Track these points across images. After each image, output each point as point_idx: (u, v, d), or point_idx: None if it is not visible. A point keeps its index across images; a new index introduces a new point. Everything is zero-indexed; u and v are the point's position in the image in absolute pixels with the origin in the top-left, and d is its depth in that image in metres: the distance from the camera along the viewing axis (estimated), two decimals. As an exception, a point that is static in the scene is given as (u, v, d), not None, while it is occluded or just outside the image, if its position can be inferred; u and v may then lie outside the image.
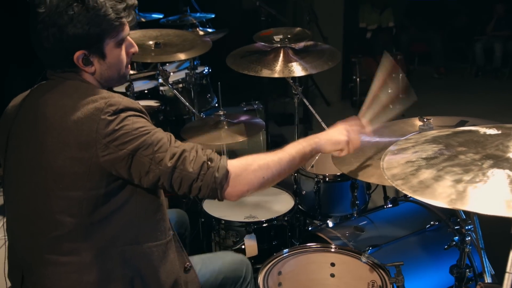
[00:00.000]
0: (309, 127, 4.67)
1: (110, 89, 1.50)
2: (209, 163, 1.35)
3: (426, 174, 1.01)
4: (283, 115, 5.16)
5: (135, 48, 1.48)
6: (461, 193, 0.92)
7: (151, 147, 1.30)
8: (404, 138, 1.33)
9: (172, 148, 1.33)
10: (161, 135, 1.34)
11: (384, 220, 2.29)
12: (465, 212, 1.54)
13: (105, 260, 1.38)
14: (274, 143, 3.51)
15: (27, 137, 1.36)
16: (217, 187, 1.35)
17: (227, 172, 1.36)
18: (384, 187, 2.78)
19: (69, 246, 1.35)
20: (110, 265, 1.38)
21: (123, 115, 1.29)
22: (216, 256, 1.89)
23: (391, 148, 1.25)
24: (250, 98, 3.85)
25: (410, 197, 2.36)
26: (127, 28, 1.41)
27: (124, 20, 1.38)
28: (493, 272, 1.84)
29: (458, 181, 0.95)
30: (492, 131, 1.12)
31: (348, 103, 5.77)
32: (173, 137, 1.37)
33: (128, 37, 1.44)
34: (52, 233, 1.34)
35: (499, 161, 1.00)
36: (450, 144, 1.12)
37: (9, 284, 1.52)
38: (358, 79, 5.54)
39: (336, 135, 1.60)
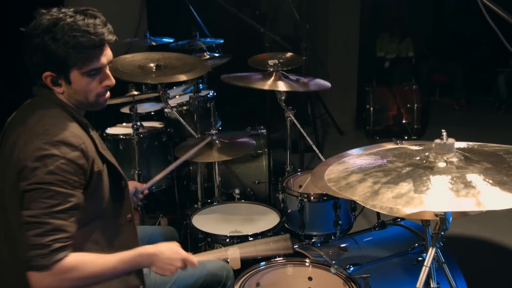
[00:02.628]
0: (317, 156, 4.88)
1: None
2: (41, 250, 1.45)
3: (354, 177, 1.25)
4: (293, 142, 5.40)
5: (111, 81, 1.68)
6: (375, 191, 1.16)
7: (40, 196, 1.46)
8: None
9: (45, 215, 1.46)
10: (58, 197, 1.48)
11: (369, 242, 2.48)
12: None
13: None
14: (279, 168, 3.74)
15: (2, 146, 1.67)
16: (33, 269, 1.47)
17: (49, 266, 1.46)
18: (378, 213, 2.96)
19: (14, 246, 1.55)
20: None
21: (48, 161, 1.48)
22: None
23: (342, 159, 1.50)
24: (256, 124, 4.12)
25: (399, 220, 2.59)
26: (100, 62, 1.60)
27: (92, 54, 1.58)
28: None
29: (376, 183, 1.19)
30: (421, 147, 1.36)
31: (362, 133, 5.95)
32: (66, 207, 1.49)
33: (106, 71, 1.65)
34: (3, 230, 1.59)
35: (417, 168, 1.23)
36: (386, 155, 1.36)
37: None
38: (371, 109, 5.69)
39: (168, 266, 1.70)
